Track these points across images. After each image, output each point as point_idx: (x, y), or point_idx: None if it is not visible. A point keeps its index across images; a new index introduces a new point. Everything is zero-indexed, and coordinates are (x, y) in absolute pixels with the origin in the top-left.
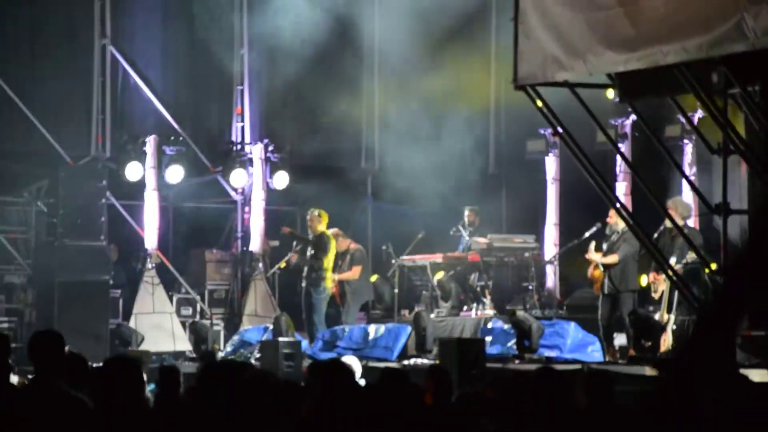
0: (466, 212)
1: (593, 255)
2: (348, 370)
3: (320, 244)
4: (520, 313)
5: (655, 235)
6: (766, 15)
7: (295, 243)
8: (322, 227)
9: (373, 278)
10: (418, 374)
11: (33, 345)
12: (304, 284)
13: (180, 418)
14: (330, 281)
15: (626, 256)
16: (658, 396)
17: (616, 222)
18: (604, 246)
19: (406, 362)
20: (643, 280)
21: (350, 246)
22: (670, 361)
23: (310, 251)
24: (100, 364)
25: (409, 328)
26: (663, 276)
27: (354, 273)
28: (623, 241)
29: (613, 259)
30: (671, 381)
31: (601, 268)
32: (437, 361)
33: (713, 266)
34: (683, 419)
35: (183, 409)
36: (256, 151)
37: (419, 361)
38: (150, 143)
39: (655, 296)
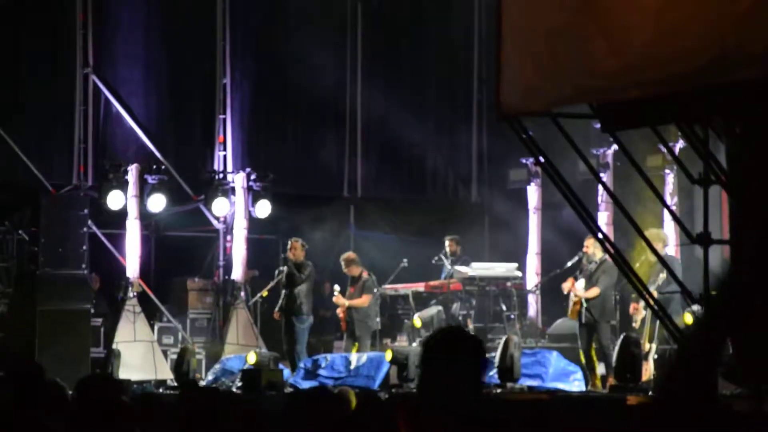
0: (447, 242)
1: (579, 291)
2: (333, 399)
3: (301, 273)
4: (514, 338)
5: (637, 264)
6: (748, 47)
7: (277, 272)
8: (303, 256)
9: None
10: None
11: (11, 376)
12: (283, 314)
13: None
14: (308, 312)
15: (606, 287)
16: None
17: (593, 252)
18: (581, 275)
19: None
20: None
21: (363, 273)
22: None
23: (291, 278)
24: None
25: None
26: (641, 305)
27: (364, 300)
28: (602, 273)
29: (594, 292)
30: (656, 408)
31: (576, 298)
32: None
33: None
34: None
35: None
36: (239, 180)
37: (401, 390)
38: (132, 172)
39: (635, 326)
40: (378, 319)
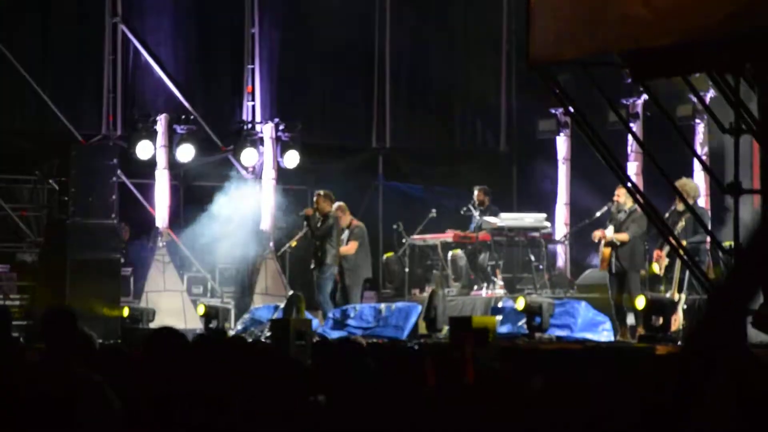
0: (476, 192)
1: (609, 234)
2: (357, 349)
3: (325, 224)
4: (527, 299)
5: (666, 215)
6: None
7: (305, 224)
8: (329, 208)
9: (389, 255)
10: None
11: (45, 322)
12: (312, 265)
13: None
14: (332, 263)
15: (635, 235)
16: (672, 372)
17: (624, 201)
18: (610, 224)
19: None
20: (655, 267)
21: (352, 222)
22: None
23: (315, 231)
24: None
25: (419, 307)
26: (665, 252)
27: (350, 248)
28: (632, 221)
29: (623, 237)
30: (686, 359)
31: (609, 246)
32: (447, 340)
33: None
34: (696, 396)
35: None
36: (267, 130)
37: (429, 340)
38: (161, 122)
39: (660, 273)
40: (407, 270)
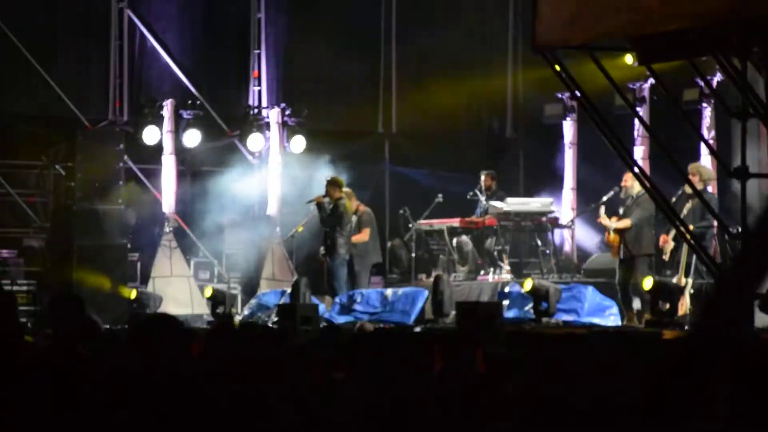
0: (482, 176)
1: (605, 220)
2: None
3: (336, 211)
4: (534, 281)
5: (673, 199)
6: None
7: (312, 208)
8: (339, 194)
9: (394, 241)
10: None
11: (52, 308)
12: (322, 251)
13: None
14: (343, 250)
15: (640, 220)
16: (675, 360)
17: (632, 185)
18: (621, 210)
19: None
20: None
21: (359, 207)
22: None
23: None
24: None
25: (426, 292)
26: (670, 237)
27: (363, 235)
28: (637, 206)
29: (625, 223)
30: (692, 343)
31: (614, 233)
32: (454, 325)
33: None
34: (702, 382)
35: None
36: (273, 115)
37: (436, 325)
38: (167, 107)
39: (665, 258)
40: (413, 255)
